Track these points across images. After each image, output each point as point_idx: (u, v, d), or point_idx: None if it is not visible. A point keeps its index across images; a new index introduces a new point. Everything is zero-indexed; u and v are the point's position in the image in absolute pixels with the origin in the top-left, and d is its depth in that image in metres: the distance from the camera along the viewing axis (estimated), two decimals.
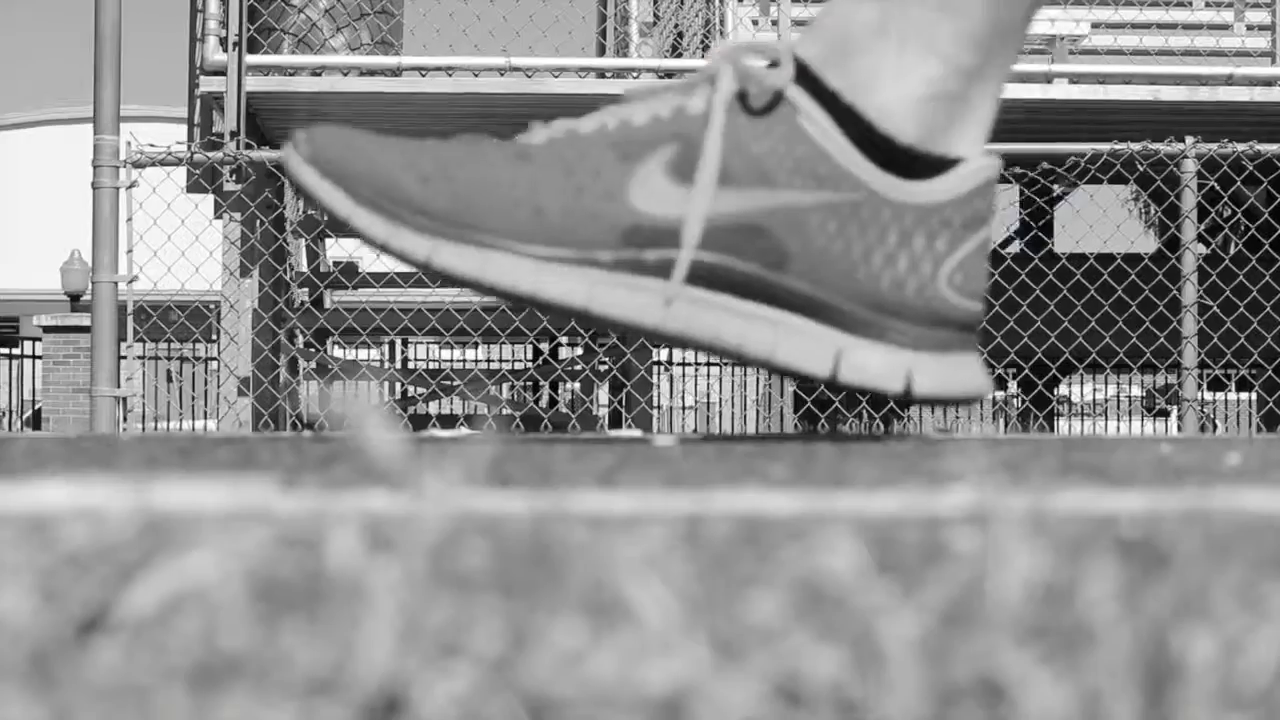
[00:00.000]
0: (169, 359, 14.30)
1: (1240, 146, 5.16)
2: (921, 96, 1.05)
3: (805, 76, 1.05)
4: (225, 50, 5.31)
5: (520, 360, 12.16)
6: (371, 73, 5.51)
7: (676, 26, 6.56)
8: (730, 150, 1.03)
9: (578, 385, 7.17)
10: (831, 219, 1.04)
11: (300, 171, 1.02)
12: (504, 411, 6.41)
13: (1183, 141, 5.17)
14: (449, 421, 7.16)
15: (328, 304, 6.87)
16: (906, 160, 1.06)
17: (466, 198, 1.01)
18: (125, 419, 5.14)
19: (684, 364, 12.27)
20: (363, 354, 11.02)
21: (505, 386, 7.61)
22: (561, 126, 1.06)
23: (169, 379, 14.98)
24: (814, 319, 1.05)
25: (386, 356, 13.52)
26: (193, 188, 5.62)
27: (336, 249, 7.08)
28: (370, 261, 5.68)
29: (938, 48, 1.05)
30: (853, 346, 1.05)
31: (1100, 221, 5.85)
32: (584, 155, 1.04)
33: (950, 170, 1.06)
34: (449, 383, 6.57)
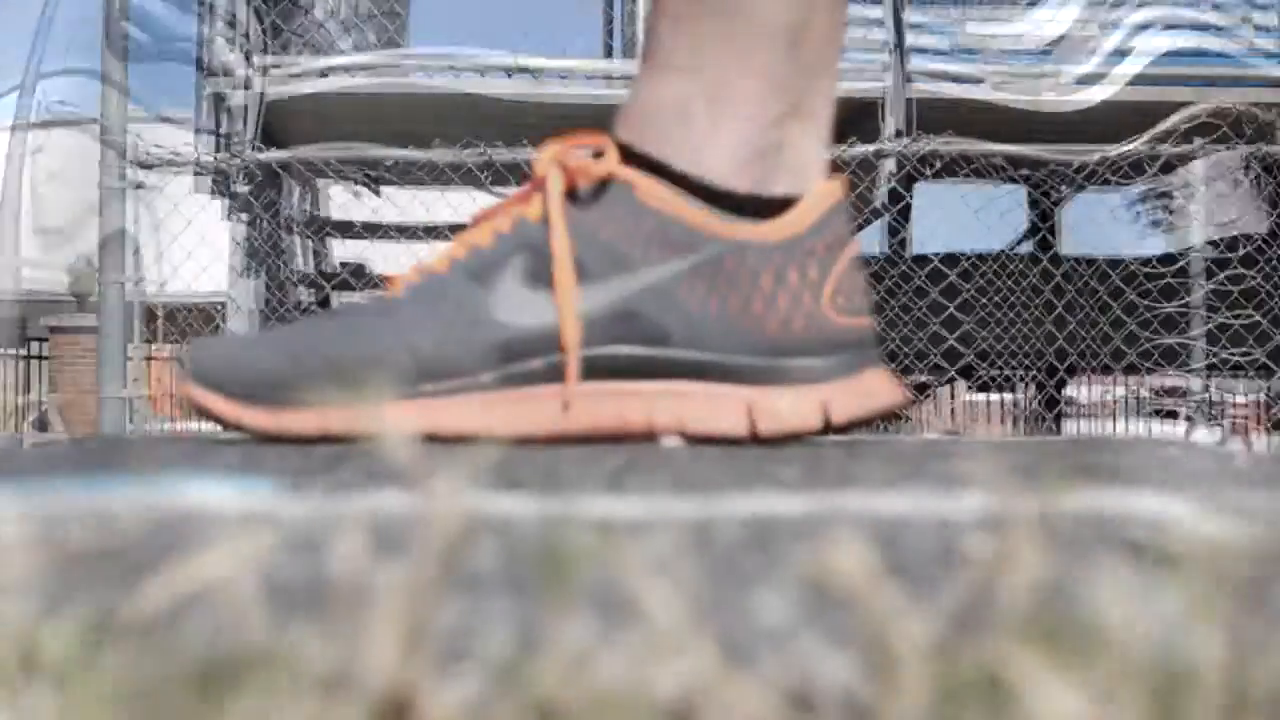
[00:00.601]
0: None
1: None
2: (743, 157, 1.05)
3: (631, 155, 1.06)
4: (250, 64, 5.33)
5: None
6: (375, 71, 5.50)
7: None
8: (580, 245, 1.03)
9: None
10: (699, 282, 1.04)
11: (191, 391, 1.03)
12: None
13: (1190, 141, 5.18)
14: None
15: (334, 305, 6.88)
16: (754, 206, 1.06)
17: (339, 361, 1.01)
18: (132, 420, 5.14)
19: None
20: None
21: None
22: (416, 271, 1.07)
23: None
24: (715, 382, 1.04)
25: None
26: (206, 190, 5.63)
27: (343, 249, 7.07)
28: (380, 263, 5.67)
29: (743, 110, 1.05)
30: (761, 397, 1.04)
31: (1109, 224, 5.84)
32: (444, 292, 1.04)
33: (797, 202, 1.06)
34: None
